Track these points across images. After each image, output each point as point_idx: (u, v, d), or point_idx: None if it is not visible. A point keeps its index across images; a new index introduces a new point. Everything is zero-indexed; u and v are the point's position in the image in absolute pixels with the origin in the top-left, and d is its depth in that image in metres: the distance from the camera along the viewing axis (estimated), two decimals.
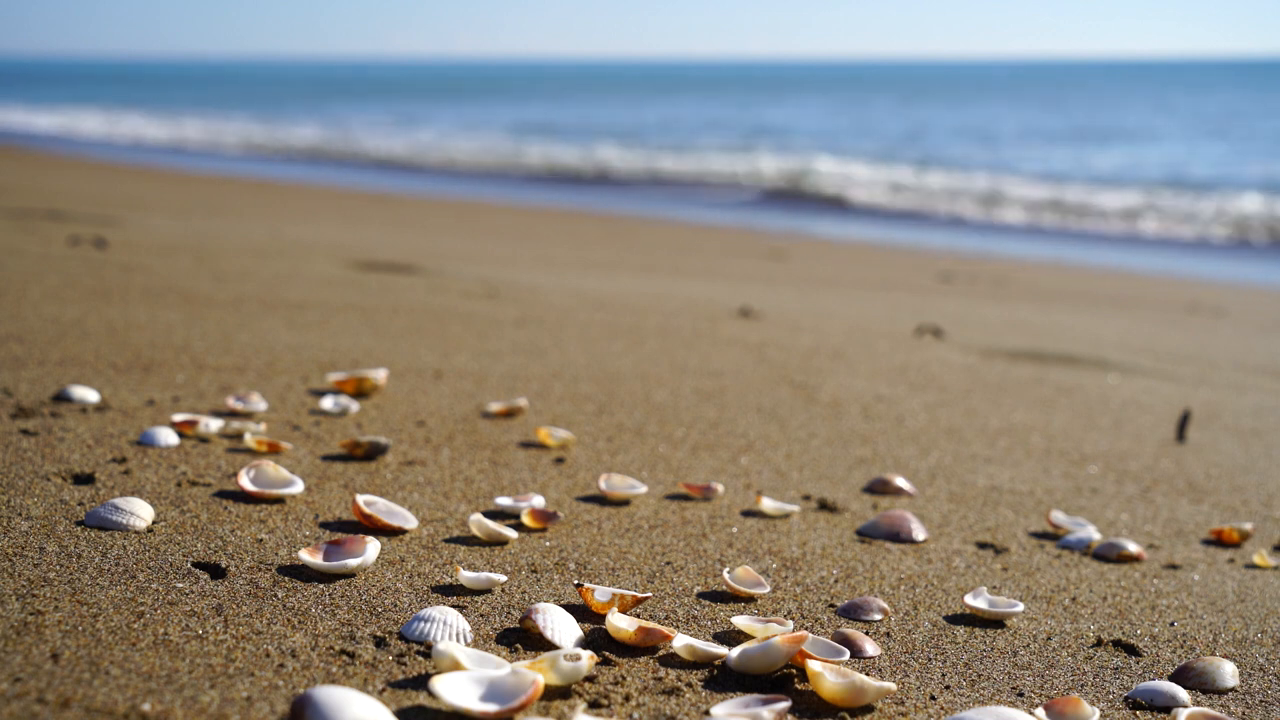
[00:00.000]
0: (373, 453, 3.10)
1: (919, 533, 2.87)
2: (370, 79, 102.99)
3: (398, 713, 1.77)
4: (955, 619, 2.39)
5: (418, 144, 29.03)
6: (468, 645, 2.02)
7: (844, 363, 5.00)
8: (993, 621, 2.38)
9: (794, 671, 2.04)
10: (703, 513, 2.93)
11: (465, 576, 2.29)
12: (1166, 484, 3.59)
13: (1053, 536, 3.00)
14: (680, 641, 2.06)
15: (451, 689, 1.78)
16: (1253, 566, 2.90)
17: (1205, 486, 3.60)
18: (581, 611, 2.22)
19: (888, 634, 2.28)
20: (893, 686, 1.96)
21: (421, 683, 1.87)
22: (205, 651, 1.89)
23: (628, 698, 1.89)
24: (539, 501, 2.81)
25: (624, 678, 1.96)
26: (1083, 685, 2.13)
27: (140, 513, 2.43)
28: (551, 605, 2.13)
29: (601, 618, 2.20)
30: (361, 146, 28.04)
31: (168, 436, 3.03)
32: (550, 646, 2.05)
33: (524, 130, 33.70)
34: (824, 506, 3.07)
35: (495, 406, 3.67)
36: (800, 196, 20.10)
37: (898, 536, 2.85)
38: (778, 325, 5.92)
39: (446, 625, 2.05)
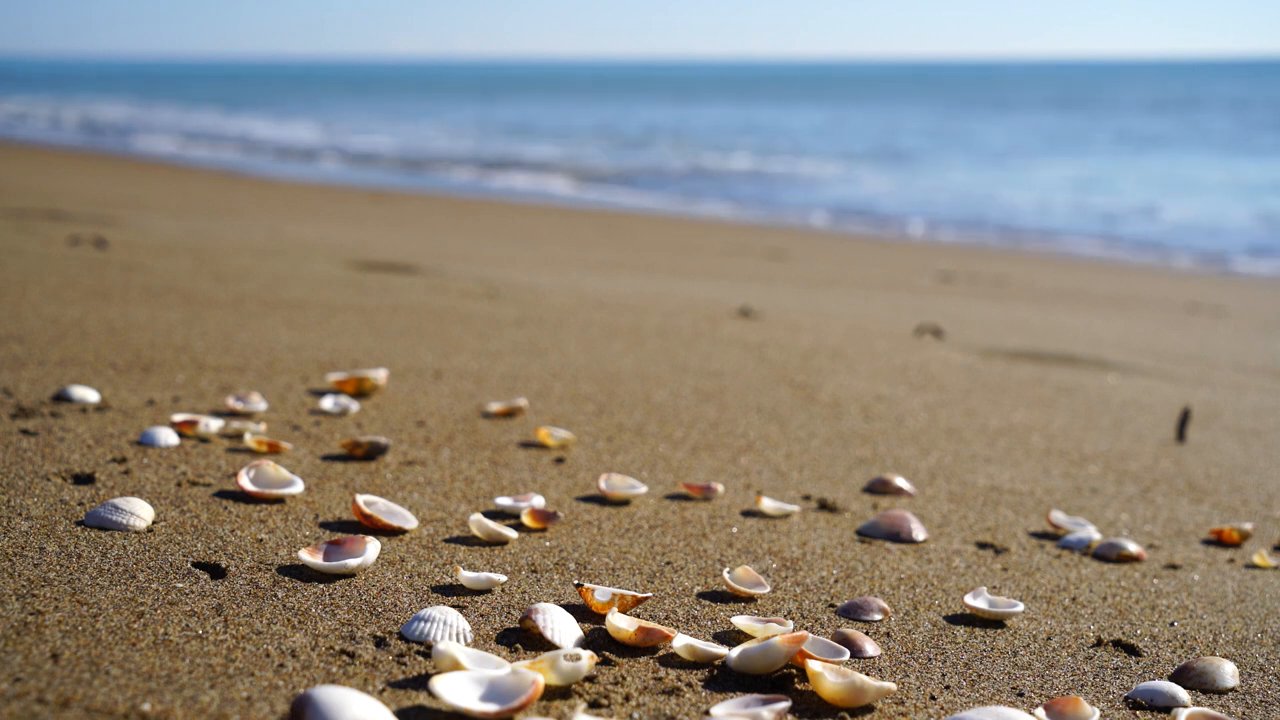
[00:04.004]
0: (373, 453, 3.10)
1: (919, 533, 2.87)
2: (383, 78, 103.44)
3: (398, 713, 1.77)
4: (955, 619, 2.39)
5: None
6: (468, 645, 2.02)
7: (844, 363, 5.00)
8: (993, 621, 2.38)
9: (794, 671, 2.04)
10: (703, 513, 2.93)
11: (465, 576, 2.29)
12: (1166, 484, 3.59)
13: (1053, 536, 3.00)
14: (680, 641, 2.06)
15: (451, 689, 1.78)
16: (1253, 566, 2.90)
17: (1205, 486, 3.60)
18: (581, 611, 2.22)
19: (888, 634, 2.28)
20: (893, 686, 1.96)
21: (421, 683, 1.87)
22: (205, 651, 1.89)
23: (628, 698, 1.89)
24: (539, 501, 2.81)
25: (624, 678, 1.96)
26: (1083, 685, 2.13)
27: (140, 513, 2.43)
28: (551, 605, 2.13)
29: (601, 618, 2.20)
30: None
31: (168, 436, 3.03)
32: (550, 646, 2.05)
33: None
34: (824, 506, 3.07)
35: (495, 406, 3.67)
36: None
37: (898, 536, 2.85)
38: (778, 325, 5.93)
39: (446, 625, 2.05)
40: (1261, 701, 2.13)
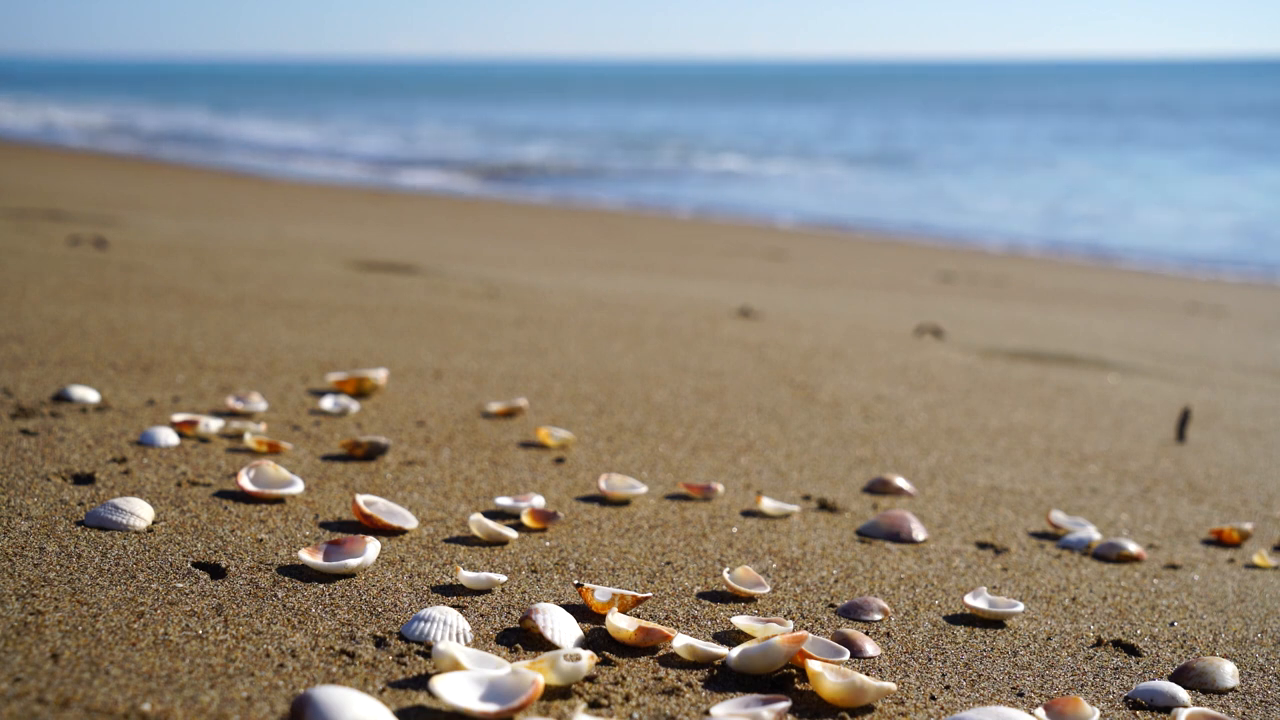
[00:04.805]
0: (373, 453, 3.10)
1: (919, 533, 2.87)
2: (380, 78, 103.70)
3: (398, 713, 1.77)
4: (955, 619, 2.39)
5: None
6: (468, 645, 2.02)
7: (844, 363, 5.00)
8: (993, 621, 2.38)
9: (794, 671, 2.04)
10: (703, 513, 2.93)
11: (465, 576, 2.29)
12: (1166, 484, 3.59)
13: (1053, 536, 3.00)
14: (680, 641, 2.06)
15: (451, 689, 1.78)
16: (1253, 566, 2.90)
17: (1205, 486, 3.60)
18: (581, 611, 2.22)
19: (888, 634, 2.28)
20: (893, 686, 1.96)
21: (421, 683, 1.87)
22: (205, 651, 1.89)
23: (628, 698, 1.89)
24: (539, 501, 2.81)
25: (624, 678, 1.96)
26: (1083, 685, 2.13)
27: (140, 513, 2.43)
28: (551, 605, 2.13)
29: (601, 618, 2.20)
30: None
31: (168, 436, 3.03)
32: (550, 646, 2.05)
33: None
34: (824, 506, 3.07)
35: (495, 406, 3.67)
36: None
37: (898, 536, 2.85)
38: (778, 325, 5.93)
39: (446, 625, 2.05)
40: (1261, 701, 2.13)
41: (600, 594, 2.21)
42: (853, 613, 2.35)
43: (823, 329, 5.93)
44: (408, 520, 2.60)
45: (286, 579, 2.24)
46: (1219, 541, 3.08)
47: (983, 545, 2.88)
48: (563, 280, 7.25)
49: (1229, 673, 2.18)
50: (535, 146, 29.11)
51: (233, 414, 3.38)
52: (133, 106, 44.29)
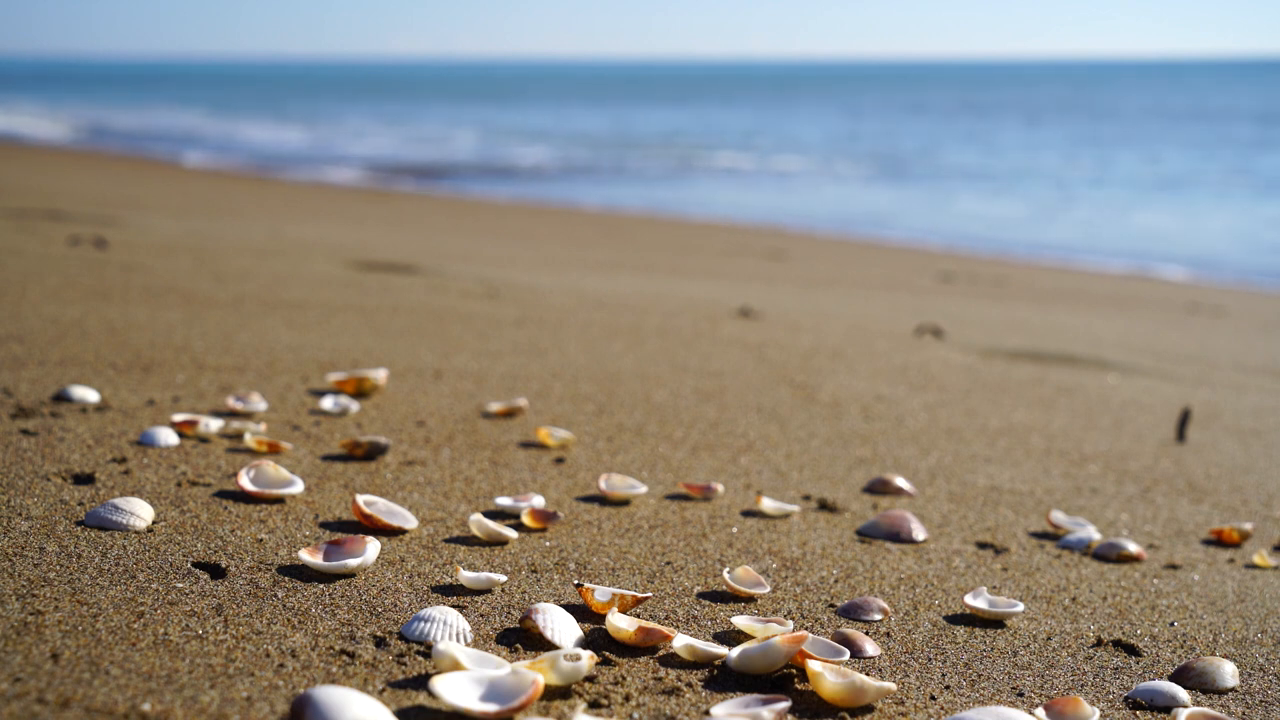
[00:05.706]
0: (373, 453, 3.10)
1: (919, 533, 2.87)
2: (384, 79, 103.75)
3: (398, 713, 1.77)
4: (955, 619, 2.39)
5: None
6: (468, 645, 2.02)
7: (844, 363, 5.00)
8: (993, 621, 2.38)
9: (794, 671, 2.04)
10: (703, 513, 2.93)
11: (465, 576, 2.29)
12: (1166, 484, 3.59)
13: (1053, 536, 3.00)
14: (680, 641, 2.06)
15: (451, 689, 1.78)
16: (1253, 566, 2.90)
17: (1205, 486, 3.60)
18: (581, 611, 2.22)
19: (888, 634, 2.28)
20: (893, 686, 1.96)
21: (421, 683, 1.87)
22: (205, 651, 1.89)
23: (628, 698, 1.89)
24: (539, 501, 2.81)
25: (624, 678, 1.96)
26: (1083, 685, 2.13)
27: (140, 513, 2.43)
28: (551, 605, 2.13)
29: (601, 618, 2.20)
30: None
31: (168, 436, 3.03)
32: (550, 646, 2.05)
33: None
34: (824, 506, 3.07)
35: (495, 406, 3.67)
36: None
37: (898, 536, 2.85)
38: (778, 325, 5.93)
39: (446, 625, 2.05)
40: (1261, 701, 2.13)
41: (600, 594, 2.21)
42: (853, 613, 2.35)
43: (823, 329, 5.93)
44: (408, 520, 2.60)
45: (286, 579, 2.24)
46: (1219, 541, 3.08)
47: (983, 545, 2.88)
48: (563, 280, 7.25)
49: (1229, 673, 2.18)
50: (534, 147, 29.18)
51: (233, 414, 3.38)
52: (103, 107, 44.60)
